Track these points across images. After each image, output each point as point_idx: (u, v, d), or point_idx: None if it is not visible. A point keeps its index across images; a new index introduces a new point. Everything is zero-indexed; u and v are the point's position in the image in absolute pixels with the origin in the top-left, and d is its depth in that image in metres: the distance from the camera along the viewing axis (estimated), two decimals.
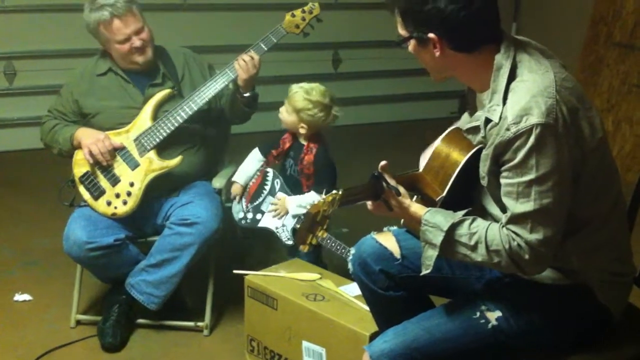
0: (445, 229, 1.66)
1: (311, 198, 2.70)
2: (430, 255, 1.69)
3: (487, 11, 1.63)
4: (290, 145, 2.79)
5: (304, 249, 1.67)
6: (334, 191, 1.63)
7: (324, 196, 1.62)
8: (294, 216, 2.72)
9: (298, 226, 2.70)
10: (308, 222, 1.62)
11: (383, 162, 1.74)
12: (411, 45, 1.70)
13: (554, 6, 5.21)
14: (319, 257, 2.79)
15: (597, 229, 1.70)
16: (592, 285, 1.71)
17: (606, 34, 4.70)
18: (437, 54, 1.65)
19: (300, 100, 2.68)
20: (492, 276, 1.88)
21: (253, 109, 2.83)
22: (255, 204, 2.81)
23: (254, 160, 2.86)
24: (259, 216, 2.79)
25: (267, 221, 2.77)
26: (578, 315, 1.73)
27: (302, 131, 2.73)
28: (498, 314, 1.72)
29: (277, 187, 2.77)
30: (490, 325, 1.72)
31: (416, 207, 1.73)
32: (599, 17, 4.76)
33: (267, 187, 2.80)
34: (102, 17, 2.62)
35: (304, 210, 2.69)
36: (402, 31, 1.71)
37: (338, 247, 2.65)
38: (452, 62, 1.67)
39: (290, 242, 2.74)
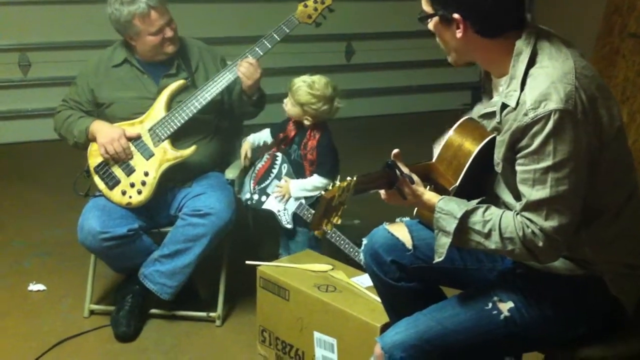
0: (458, 216, 1.65)
1: (314, 181, 2.76)
2: (444, 243, 1.69)
3: None
4: (296, 133, 2.83)
5: (319, 234, 1.66)
6: (349, 177, 1.63)
7: (338, 182, 1.61)
8: (296, 198, 2.77)
9: (298, 211, 2.76)
10: (323, 207, 1.60)
11: (395, 150, 1.74)
12: (433, 22, 1.69)
13: None
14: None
15: (612, 219, 1.69)
16: (604, 277, 1.70)
17: (621, 25, 4.65)
18: (459, 35, 1.64)
19: (304, 94, 2.71)
20: (504, 267, 1.87)
21: (260, 108, 2.85)
22: (262, 186, 2.85)
23: (264, 134, 2.93)
24: (263, 198, 2.83)
25: (270, 203, 2.82)
26: (590, 307, 1.73)
27: (306, 122, 2.78)
28: (510, 304, 1.72)
29: (284, 171, 2.82)
30: (502, 316, 1.71)
31: (430, 195, 1.73)
32: (613, 8, 4.71)
33: (275, 171, 2.84)
34: (139, 9, 2.63)
35: (305, 194, 2.76)
36: (426, 7, 1.70)
37: (347, 246, 2.66)
38: (472, 45, 1.67)
39: (289, 226, 2.78)
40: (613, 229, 1.70)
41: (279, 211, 2.80)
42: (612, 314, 1.75)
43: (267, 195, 2.83)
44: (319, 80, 2.74)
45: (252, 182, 2.87)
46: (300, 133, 2.82)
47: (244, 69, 2.69)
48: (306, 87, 2.72)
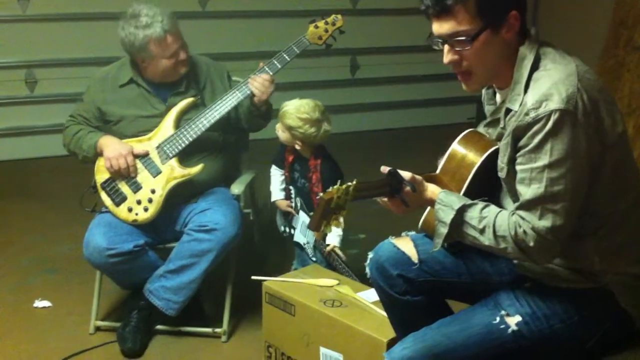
0: (456, 207, 1.67)
1: None
2: (441, 234, 1.70)
3: None
4: (294, 158, 2.87)
5: (318, 236, 1.66)
6: (349, 182, 1.62)
7: (337, 184, 1.60)
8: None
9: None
10: (322, 209, 1.59)
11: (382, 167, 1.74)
12: (482, 38, 1.62)
13: (573, 10, 5.17)
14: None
15: (617, 228, 1.69)
16: (613, 289, 1.69)
17: (626, 38, 4.65)
18: (511, 33, 1.63)
19: (291, 118, 2.74)
20: (512, 280, 1.86)
21: (268, 120, 2.87)
22: (288, 219, 2.95)
23: (277, 175, 2.97)
24: (292, 231, 2.93)
25: (298, 236, 2.90)
26: (599, 320, 1.71)
27: (297, 147, 2.81)
28: (518, 318, 1.71)
29: (299, 204, 2.88)
30: (510, 330, 1.70)
31: (433, 188, 1.75)
32: (618, 21, 4.72)
33: (292, 204, 2.92)
34: (155, 34, 2.62)
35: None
36: (469, 26, 1.61)
37: (344, 271, 2.65)
38: (504, 49, 1.66)
39: (314, 259, 2.82)
40: (620, 238, 1.69)
41: (305, 244, 2.86)
42: (621, 327, 1.73)
43: (294, 227, 2.92)
44: (306, 103, 2.75)
45: (282, 216, 2.98)
46: (299, 160, 2.85)
47: (258, 84, 2.69)
48: (293, 110, 2.73)
